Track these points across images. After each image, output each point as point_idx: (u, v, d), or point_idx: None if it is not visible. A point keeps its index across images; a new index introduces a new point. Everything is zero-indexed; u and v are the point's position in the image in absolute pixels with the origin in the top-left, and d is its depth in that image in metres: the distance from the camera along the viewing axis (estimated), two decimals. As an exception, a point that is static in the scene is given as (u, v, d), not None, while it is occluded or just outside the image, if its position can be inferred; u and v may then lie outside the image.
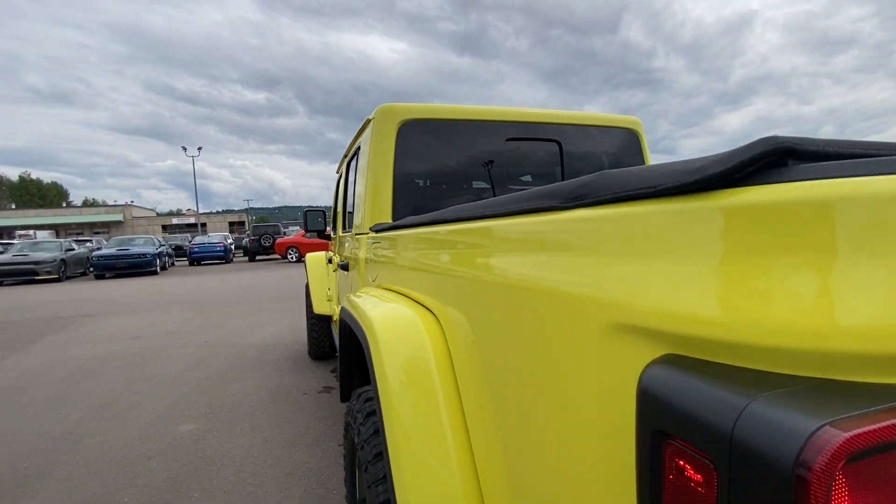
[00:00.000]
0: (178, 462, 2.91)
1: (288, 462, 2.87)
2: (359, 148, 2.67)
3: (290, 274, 15.45)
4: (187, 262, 24.14)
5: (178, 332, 6.84)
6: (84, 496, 2.56)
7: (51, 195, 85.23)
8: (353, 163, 2.97)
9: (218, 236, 25.14)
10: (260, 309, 8.57)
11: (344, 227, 3.39)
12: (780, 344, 0.39)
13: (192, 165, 39.49)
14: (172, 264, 23.03)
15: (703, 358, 0.44)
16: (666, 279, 0.48)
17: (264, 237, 23.41)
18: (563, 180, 2.71)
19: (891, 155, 0.44)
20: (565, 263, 0.66)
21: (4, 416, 3.79)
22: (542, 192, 0.77)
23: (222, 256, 23.37)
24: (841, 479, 0.33)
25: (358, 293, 1.82)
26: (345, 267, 2.81)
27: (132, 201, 63.84)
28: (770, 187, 0.42)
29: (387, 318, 1.24)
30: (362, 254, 2.30)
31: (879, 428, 0.33)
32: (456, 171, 2.48)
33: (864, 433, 0.32)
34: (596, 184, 0.64)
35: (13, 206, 68.54)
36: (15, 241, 20.80)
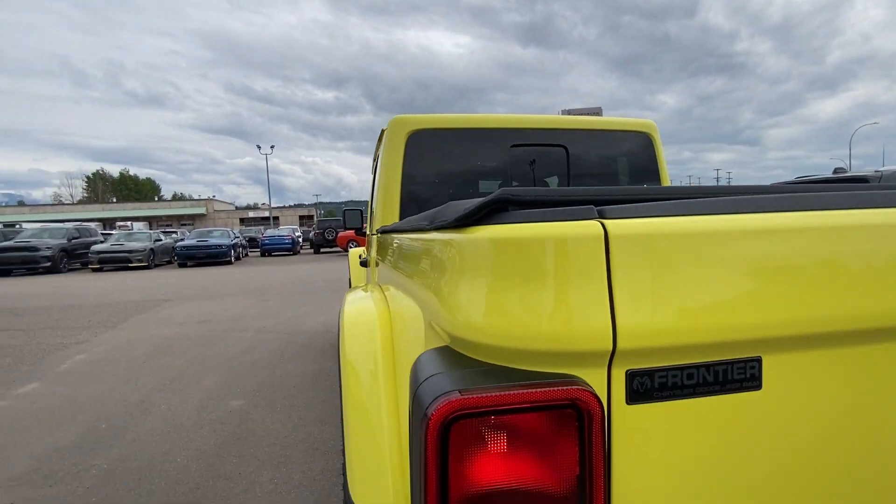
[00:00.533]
0: (224, 432, 3.33)
1: (317, 438, 3.19)
2: (379, 156, 2.91)
3: (347, 266, 16.22)
4: (259, 253, 25.93)
5: (241, 317, 7.52)
6: (147, 455, 3.02)
7: (145, 190, 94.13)
8: (376, 169, 3.22)
9: (286, 229, 26.82)
10: (316, 299, 9.18)
11: (370, 227, 3.67)
12: (482, 341, 0.55)
13: (266, 162, 42.19)
14: (246, 255, 24.84)
15: (460, 350, 0.60)
16: (442, 291, 0.64)
17: (328, 231, 24.67)
18: (568, 185, 2.79)
19: (578, 204, 0.57)
20: (419, 272, 0.83)
21: (93, 384, 4.46)
22: (427, 215, 0.94)
23: (290, 248, 24.90)
24: (456, 426, 0.48)
25: (357, 290, 2.05)
26: (364, 264, 3.07)
27: (214, 196, 69.12)
28: (489, 227, 0.57)
29: (355, 313, 1.45)
30: (373, 253, 2.53)
31: (484, 397, 0.48)
32: (462, 176, 2.64)
33: (472, 399, 0.48)
34: (442, 211, 0.80)
35: (114, 200, 76.46)
36: (114, 232, 23.42)
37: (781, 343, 0.55)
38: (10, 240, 17.71)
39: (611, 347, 0.50)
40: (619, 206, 0.55)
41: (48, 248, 17.01)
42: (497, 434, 0.49)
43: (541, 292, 0.51)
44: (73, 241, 18.47)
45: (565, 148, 2.73)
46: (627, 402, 0.52)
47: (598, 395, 0.51)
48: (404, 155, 2.53)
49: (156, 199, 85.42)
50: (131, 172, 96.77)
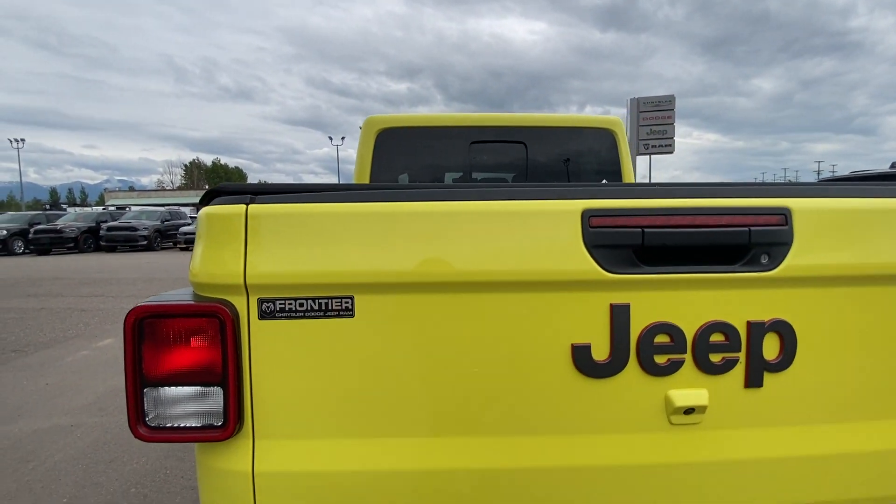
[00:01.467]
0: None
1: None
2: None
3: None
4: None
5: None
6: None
7: (234, 177, 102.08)
8: None
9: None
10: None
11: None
12: (193, 280, 0.87)
13: (337, 152, 44.38)
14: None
15: (193, 288, 0.92)
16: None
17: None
18: (526, 179, 2.98)
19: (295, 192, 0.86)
20: None
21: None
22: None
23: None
24: (144, 327, 0.82)
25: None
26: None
27: (292, 184, 73.40)
28: (206, 207, 0.88)
29: None
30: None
31: (163, 305, 0.81)
32: (427, 170, 2.93)
33: (155, 306, 0.82)
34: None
35: (207, 187, 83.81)
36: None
37: (370, 287, 0.83)
38: (116, 220, 20.34)
39: (242, 282, 0.81)
40: (268, 196, 0.84)
41: (145, 228, 19.35)
42: (174, 331, 0.82)
43: (214, 248, 0.83)
44: (165, 222, 20.82)
45: (525, 144, 2.93)
46: (259, 318, 0.82)
47: (238, 311, 0.82)
48: (374, 151, 2.87)
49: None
50: (222, 161, 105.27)
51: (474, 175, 2.99)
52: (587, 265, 0.83)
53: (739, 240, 0.85)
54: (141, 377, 0.83)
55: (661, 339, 0.86)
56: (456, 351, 0.85)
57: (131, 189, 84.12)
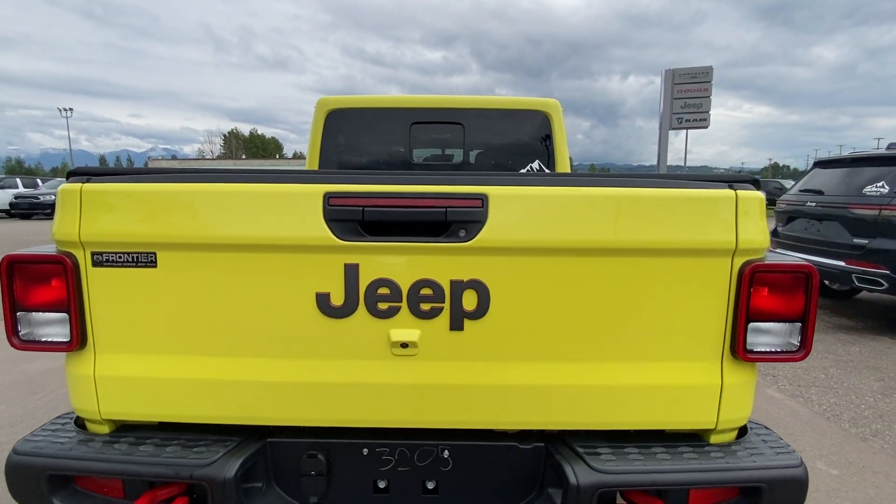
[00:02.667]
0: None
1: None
2: None
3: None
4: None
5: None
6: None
7: (270, 147, 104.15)
8: None
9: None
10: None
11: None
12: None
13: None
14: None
15: None
16: None
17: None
18: (464, 159, 3.21)
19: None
20: None
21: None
22: None
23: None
24: (14, 269, 1.15)
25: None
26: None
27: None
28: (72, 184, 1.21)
29: None
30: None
31: (33, 255, 1.15)
32: (370, 149, 3.19)
33: (23, 256, 1.15)
34: None
35: (244, 157, 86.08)
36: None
37: (167, 246, 1.13)
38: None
39: (78, 240, 1.13)
40: (103, 177, 1.15)
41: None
42: (32, 273, 1.15)
43: (61, 214, 1.15)
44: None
45: (462, 125, 3.13)
46: (92, 266, 1.14)
47: (78, 260, 1.14)
48: (323, 130, 3.14)
49: (277, 156, 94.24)
50: (259, 132, 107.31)
51: (415, 153, 3.23)
52: (325, 234, 1.12)
53: (440, 218, 1.10)
54: (13, 303, 1.17)
55: (382, 290, 1.14)
56: (231, 296, 1.16)
57: (174, 157, 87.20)
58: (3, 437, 2.75)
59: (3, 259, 1.15)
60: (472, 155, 3.24)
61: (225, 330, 1.17)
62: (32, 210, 19.71)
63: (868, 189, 5.11)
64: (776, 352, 1.20)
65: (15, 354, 4.14)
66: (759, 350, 1.19)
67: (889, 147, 5.61)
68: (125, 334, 1.19)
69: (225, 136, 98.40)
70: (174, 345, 1.19)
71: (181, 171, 1.17)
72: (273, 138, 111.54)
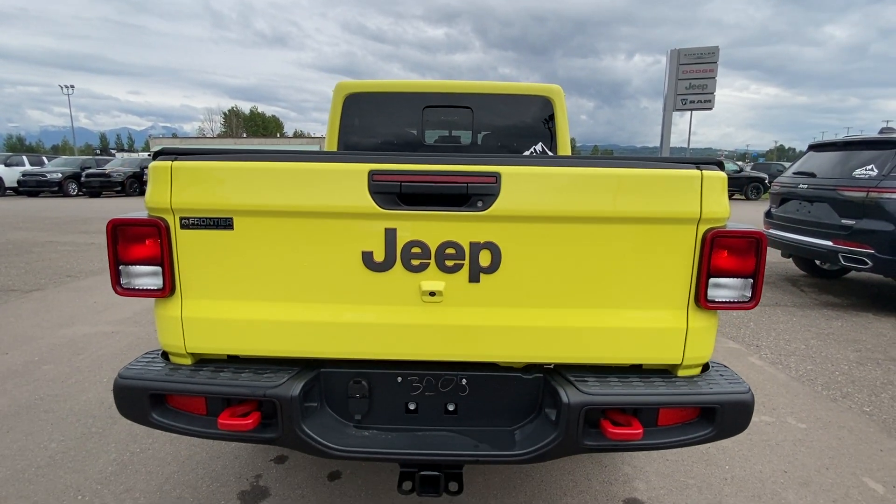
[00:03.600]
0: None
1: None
2: None
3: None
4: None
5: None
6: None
7: (271, 126, 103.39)
8: None
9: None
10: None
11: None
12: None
13: (368, 103, 44.39)
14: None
15: None
16: None
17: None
18: (472, 140, 3.46)
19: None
20: None
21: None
22: None
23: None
24: (117, 231, 1.44)
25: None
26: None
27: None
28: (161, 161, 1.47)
29: None
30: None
31: (125, 219, 1.43)
32: (386, 131, 3.44)
33: (125, 220, 1.43)
34: None
35: (244, 135, 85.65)
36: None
37: (242, 213, 1.41)
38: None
39: (169, 207, 1.40)
40: (187, 156, 1.41)
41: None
42: (132, 234, 1.42)
43: (154, 187, 1.42)
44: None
45: (471, 109, 3.38)
46: (180, 228, 1.42)
47: (169, 224, 1.41)
48: (342, 114, 3.39)
49: (278, 135, 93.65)
50: (259, 110, 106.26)
51: (427, 135, 3.48)
52: (370, 203, 1.39)
53: (462, 191, 1.37)
54: (116, 259, 1.46)
55: (415, 250, 1.42)
56: (292, 253, 1.44)
57: (174, 136, 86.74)
58: (58, 390, 3.09)
59: (108, 223, 1.43)
60: (480, 137, 3.48)
61: (287, 281, 1.46)
62: (40, 188, 19.94)
63: (858, 172, 5.33)
64: (732, 301, 1.48)
65: (53, 320, 4.46)
66: (718, 300, 1.47)
67: (881, 131, 5.81)
68: (206, 284, 1.47)
69: (225, 114, 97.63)
70: (246, 293, 1.47)
71: (252, 152, 1.44)
72: (273, 116, 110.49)
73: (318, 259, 1.44)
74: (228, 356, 1.57)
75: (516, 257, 1.43)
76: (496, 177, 1.38)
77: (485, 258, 1.42)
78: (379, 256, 1.43)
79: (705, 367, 1.59)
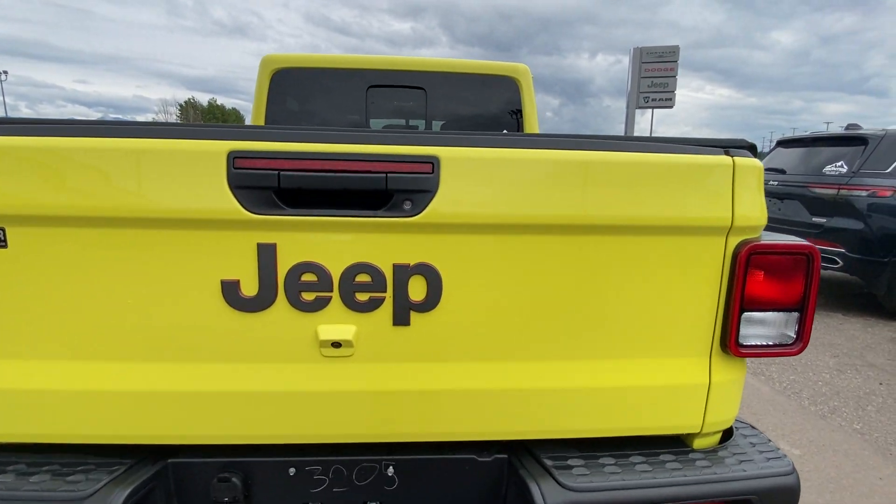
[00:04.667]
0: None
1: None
2: None
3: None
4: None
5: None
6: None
7: (231, 119, 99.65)
8: None
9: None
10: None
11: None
12: None
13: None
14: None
15: None
16: None
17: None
18: (426, 126, 2.95)
19: None
20: None
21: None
22: None
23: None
24: None
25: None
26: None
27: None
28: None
29: None
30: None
31: None
32: (321, 112, 2.88)
33: None
34: None
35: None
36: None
37: (24, 220, 0.86)
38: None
39: None
40: None
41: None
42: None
43: None
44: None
45: (424, 90, 2.87)
46: None
47: None
48: (268, 94, 2.81)
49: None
50: (219, 102, 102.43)
51: (372, 123, 2.95)
52: (231, 205, 0.86)
53: (379, 185, 0.87)
54: None
55: (308, 277, 0.91)
56: (112, 284, 0.90)
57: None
58: None
59: None
60: (436, 125, 2.99)
61: (106, 327, 0.92)
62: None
63: (828, 169, 5.16)
64: (770, 345, 1.05)
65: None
66: (751, 343, 1.04)
67: (848, 127, 5.68)
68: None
69: (181, 105, 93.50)
70: (40, 346, 0.92)
71: (36, 121, 0.89)
72: (234, 109, 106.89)
73: (154, 293, 0.91)
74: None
75: (464, 286, 0.94)
76: (433, 163, 0.89)
77: (417, 289, 0.93)
78: (250, 288, 0.91)
79: (727, 430, 1.16)
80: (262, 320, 0.92)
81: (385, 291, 0.92)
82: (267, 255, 0.89)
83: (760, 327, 1.04)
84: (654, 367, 1.02)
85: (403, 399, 0.97)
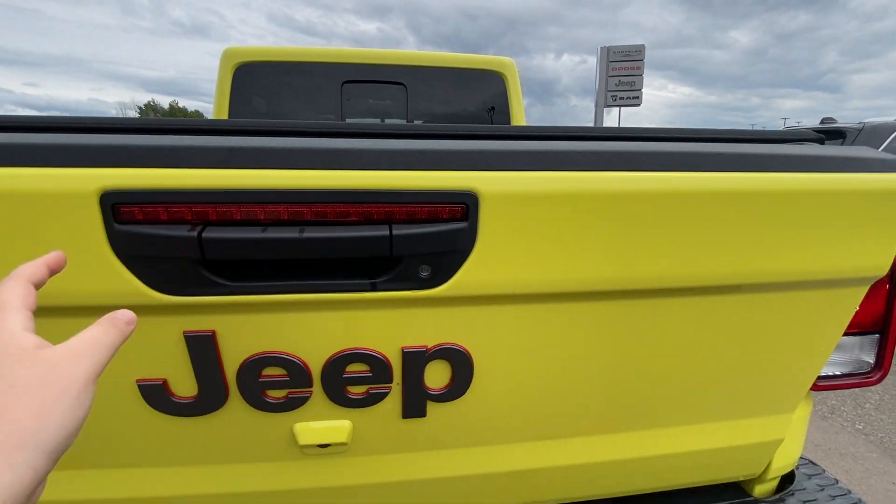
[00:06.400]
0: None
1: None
2: None
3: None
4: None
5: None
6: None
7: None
8: None
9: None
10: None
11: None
12: None
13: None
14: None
15: None
16: None
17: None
18: (407, 123, 2.70)
19: None
20: None
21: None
22: None
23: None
24: None
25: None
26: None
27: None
28: None
29: None
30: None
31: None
32: (291, 111, 2.59)
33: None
34: None
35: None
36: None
37: None
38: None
39: None
40: None
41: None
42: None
43: None
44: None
45: (405, 86, 2.62)
46: None
47: None
48: (231, 87, 2.50)
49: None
50: (180, 104, 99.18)
51: (347, 121, 2.69)
52: (126, 285, 0.54)
53: (376, 249, 0.56)
54: None
55: (272, 372, 0.64)
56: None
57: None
58: None
59: None
60: (417, 118, 2.74)
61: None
62: None
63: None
64: (844, 374, 0.87)
65: None
66: (823, 374, 0.86)
67: (823, 122, 5.68)
68: None
69: (141, 108, 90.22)
70: None
71: None
72: (197, 111, 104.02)
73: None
74: None
75: (505, 367, 0.68)
76: (467, 204, 0.57)
77: (438, 375, 0.68)
78: (183, 389, 0.64)
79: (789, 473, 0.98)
80: (209, 423, 0.66)
81: (390, 382, 0.66)
82: (201, 347, 0.60)
83: (834, 354, 0.86)
84: (738, 427, 0.82)
85: (412, 488, 0.74)
